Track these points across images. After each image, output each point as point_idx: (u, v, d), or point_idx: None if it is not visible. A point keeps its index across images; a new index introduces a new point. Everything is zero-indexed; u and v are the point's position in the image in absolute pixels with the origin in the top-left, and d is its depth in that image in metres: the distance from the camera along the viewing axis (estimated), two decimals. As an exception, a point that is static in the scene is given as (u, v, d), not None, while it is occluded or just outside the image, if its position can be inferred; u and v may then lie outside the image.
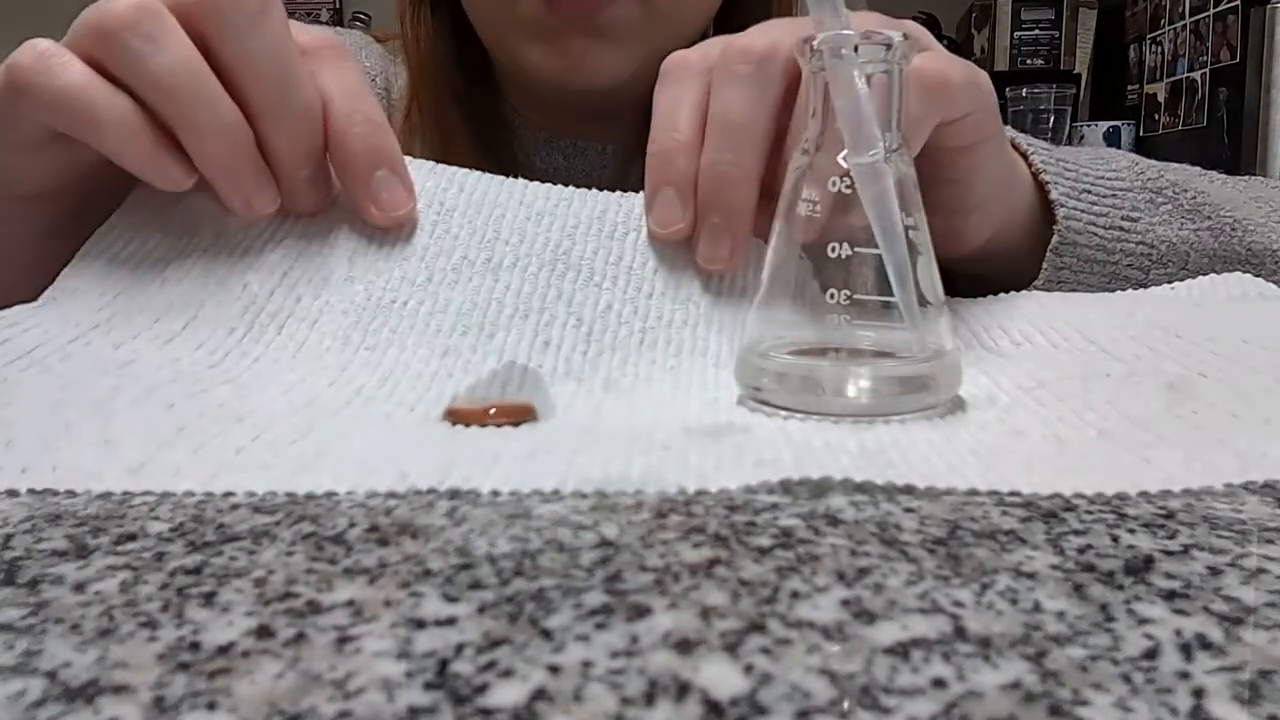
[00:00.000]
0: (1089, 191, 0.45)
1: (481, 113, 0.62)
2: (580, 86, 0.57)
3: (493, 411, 0.28)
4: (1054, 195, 0.44)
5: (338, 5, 2.79)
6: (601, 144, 0.64)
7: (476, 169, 0.60)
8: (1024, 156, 0.46)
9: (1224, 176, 0.55)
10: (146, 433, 0.26)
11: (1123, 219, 0.45)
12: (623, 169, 0.64)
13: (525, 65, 0.57)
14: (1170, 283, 0.46)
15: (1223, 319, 0.37)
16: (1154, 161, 0.51)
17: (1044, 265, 0.44)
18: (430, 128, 0.62)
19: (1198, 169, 0.55)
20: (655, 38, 0.56)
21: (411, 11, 0.61)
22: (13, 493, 0.22)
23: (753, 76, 0.33)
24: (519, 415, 0.28)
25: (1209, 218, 0.48)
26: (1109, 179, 0.46)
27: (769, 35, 0.34)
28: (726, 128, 0.33)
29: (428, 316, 0.34)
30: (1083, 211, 0.44)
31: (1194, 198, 0.48)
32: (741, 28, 0.53)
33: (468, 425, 0.27)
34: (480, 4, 0.58)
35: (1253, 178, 0.60)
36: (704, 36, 0.63)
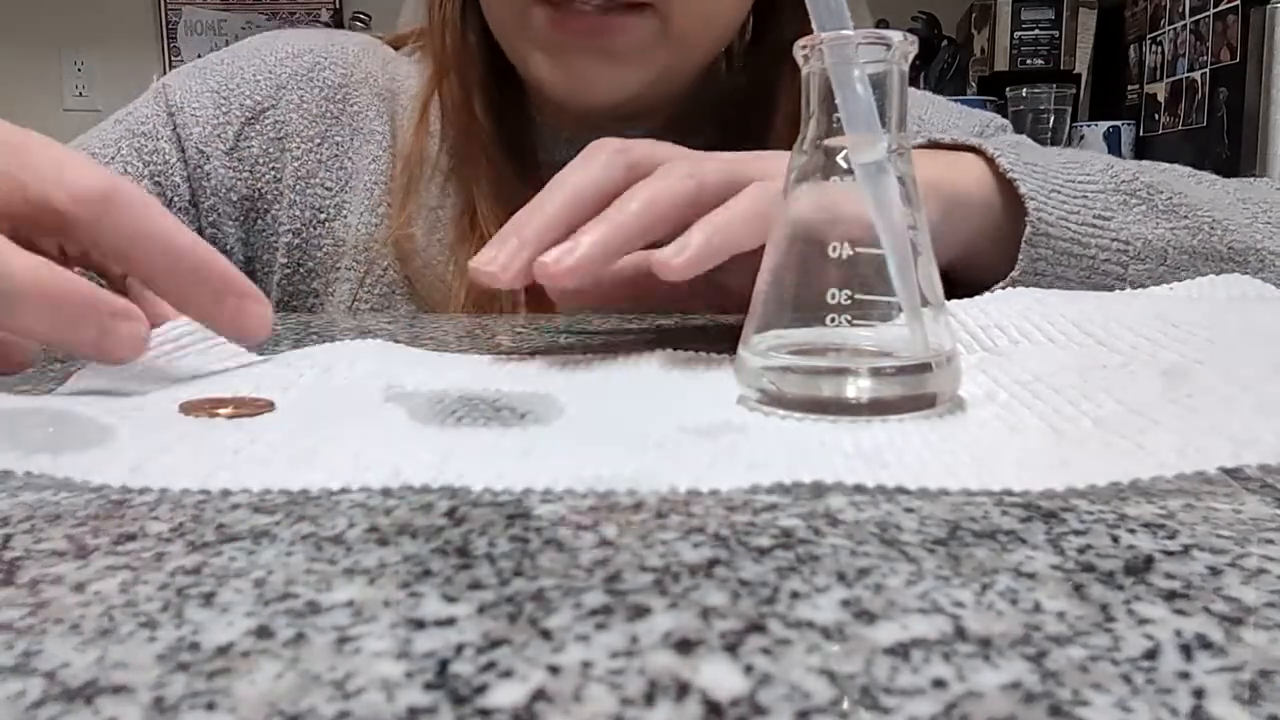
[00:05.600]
0: (1058, 191, 0.46)
1: (505, 110, 0.63)
2: (585, 103, 0.58)
3: (228, 409, 0.29)
4: (1023, 190, 0.44)
5: (338, 5, 2.79)
6: None
7: (496, 166, 0.62)
8: (990, 161, 0.46)
9: (1215, 178, 0.56)
10: (147, 433, 0.27)
11: (1095, 217, 0.46)
12: None
13: (534, 76, 0.58)
14: (1150, 279, 0.46)
15: (1221, 313, 0.37)
16: (1135, 164, 0.51)
17: (1019, 256, 0.44)
18: (452, 123, 0.63)
19: (1187, 169, 0.56)
20: (666, 60, 0.57)
21: (439, 6, 0.62)
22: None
23: (599, 161, 0.38)
24: (256, 409, 0.29)
25: (1185, 217, 0.48)
26: (1079, 181, 0.47)
27: (632, 142, 0.38)
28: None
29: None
30: (1054, 208, 0.45)
31: (1170, 199, 0.48)
32: (774, 51, 0.56)
33: (197, 417, 0.28)
34: (494, 10, 0.59)
35: (1248, 179, 0.60)
36: (715, 62, 0.64)
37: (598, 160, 0.37)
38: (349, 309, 0.63)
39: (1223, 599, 0.16)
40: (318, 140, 0.64)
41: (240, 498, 0.22)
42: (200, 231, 0.62)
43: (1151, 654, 0.15)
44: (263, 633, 0.16)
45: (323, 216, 0.64)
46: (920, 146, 0.50)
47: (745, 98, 0.65)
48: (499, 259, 0.35)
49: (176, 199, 0.62)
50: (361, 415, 0.29)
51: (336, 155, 0.64)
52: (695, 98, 0.65)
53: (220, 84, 0.64)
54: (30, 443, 0.25)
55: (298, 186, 0.63)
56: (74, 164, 0.31)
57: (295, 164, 0.64)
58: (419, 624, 0.16)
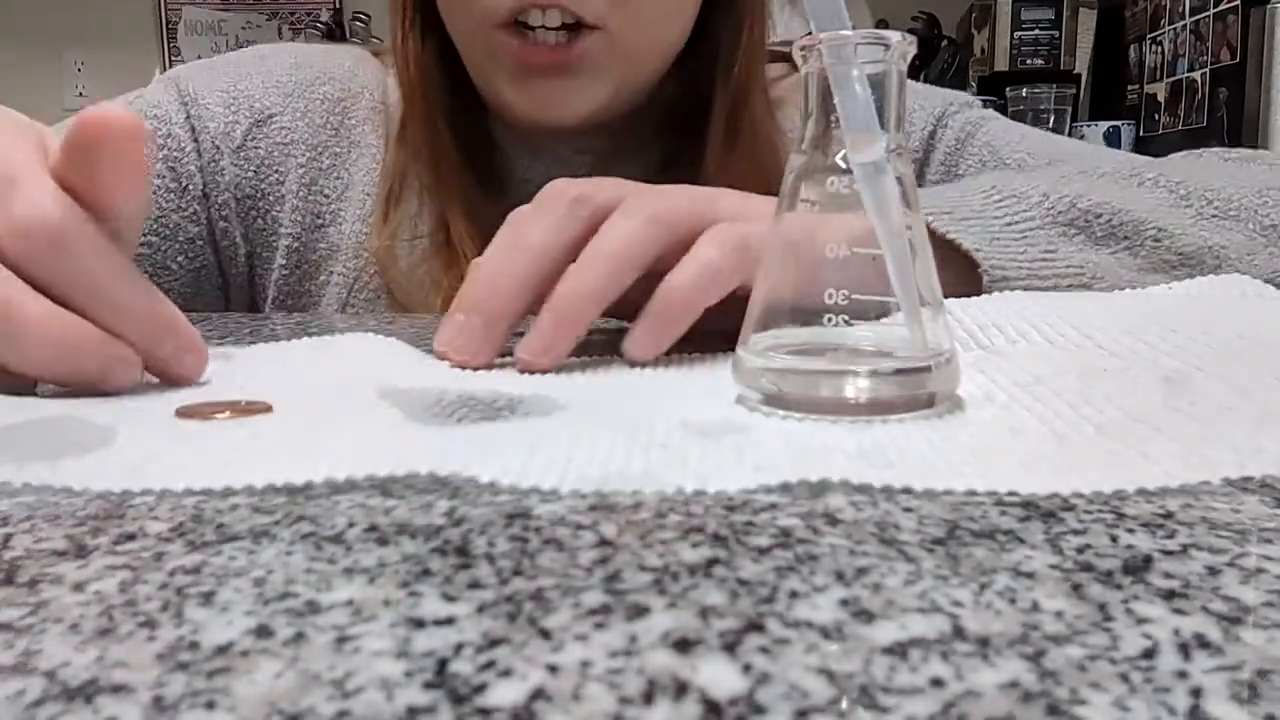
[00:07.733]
0: (998, 239, 0.45)
1: (469, 130, 0.66)
2: (554, 123, 0.62)
3: (225, 413, 0.29)
4: (966, 246, 0.44)
5: (338, 5, 2.79)
6: (581, 155, 0.68)
7: (466, 182, 0.65)
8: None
9: (1158, 172, 0.53)
10: (148, 433, 0.27)
11: (1041, 253, 0.46)
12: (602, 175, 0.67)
13: (503, 103, 0.62)
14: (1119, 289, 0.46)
15: (1219, 315, 0.37)
16: (1076, 179, 0.50)
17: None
18: (422, 144, 0.66)
19: (1144, 159, 0.56)
20: (621, 73, 0.61)
21: (402, 34, 0.65)
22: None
23: (559, 214, 0.37)
24: (253, 413, 0.29)
25: (1126, 238, 0.48)
26: (1019, 223, 0.46)
27: (590, 186, 0.37)
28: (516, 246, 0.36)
29: None
30: (999, 252, 0.45)
31: (1108, 221, 0.48)
32: (713, 57, 0.62)
33: (196, 420, 0.28)
34: (460, 35, 0.62)
35: (1194, 151, 0.60)
36: (666, 72, 0.67)
37: (557, 213, 0.37)
38: (339, 311, 0.66)
39: (1221, 598, 0.17)
40: (319, 150, 0.67)
41: (240, 498, 0.22)
42: (210, 224, 0.65)
43: (1150, 653, 0.15)
44: (262, 632, 0.16)
45: (320, 222, 0.66)
46: None
47: (681, 108, 0.68)
48: (469, 345, 0.35)
49: (191, 186, 0.64)
50: (360, 414, 0.29)
51: (335, 165, 0.67)
52: (640, 112, 0.68)
53: (229, 85, 0.67)
54: (26, 451, 0.25)
55: (300, 193, 0.66)
56: (26, 188, 0.30)
57: (299, 170, 0.66)
58: (418, 623, 0.16)
